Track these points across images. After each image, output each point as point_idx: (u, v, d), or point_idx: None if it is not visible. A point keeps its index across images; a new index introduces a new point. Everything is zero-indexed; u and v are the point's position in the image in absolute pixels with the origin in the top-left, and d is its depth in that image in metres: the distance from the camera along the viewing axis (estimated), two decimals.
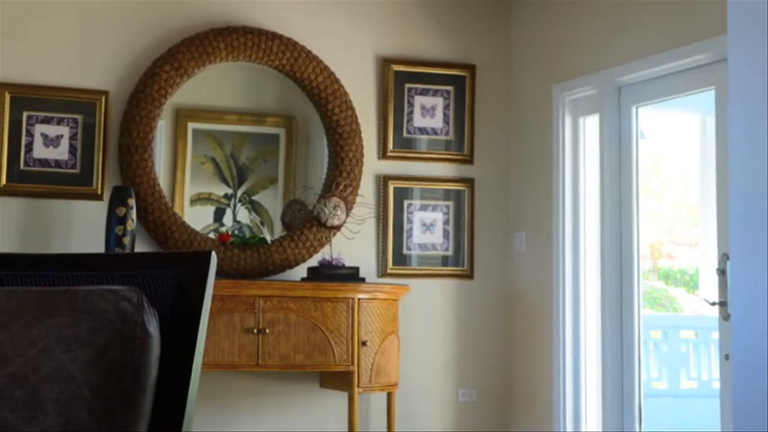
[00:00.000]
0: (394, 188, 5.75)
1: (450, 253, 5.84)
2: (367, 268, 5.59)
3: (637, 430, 5.06)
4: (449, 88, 5.88)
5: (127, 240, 4.92)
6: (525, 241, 5.82)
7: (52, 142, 5.18)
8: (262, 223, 5.55)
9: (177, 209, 5.36)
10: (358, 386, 5.02)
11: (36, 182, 5.15)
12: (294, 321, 4.94)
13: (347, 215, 5.44)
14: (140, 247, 5.19)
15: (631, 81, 5.17)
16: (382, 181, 5.73)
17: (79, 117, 5.22)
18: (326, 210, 5.33)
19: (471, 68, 5.94)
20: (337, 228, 5.41)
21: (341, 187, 5.49)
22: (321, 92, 5.53)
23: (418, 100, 5.82)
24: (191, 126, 5.49)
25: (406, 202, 5.78)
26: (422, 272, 5.78)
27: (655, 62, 4.94)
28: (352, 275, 5.25)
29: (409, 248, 5.76)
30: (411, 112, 5.80)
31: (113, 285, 2.04)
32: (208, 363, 4.72)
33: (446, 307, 5.82)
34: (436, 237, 5.82)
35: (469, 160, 5.91)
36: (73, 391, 1.83)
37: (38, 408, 1.82)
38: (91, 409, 1.82)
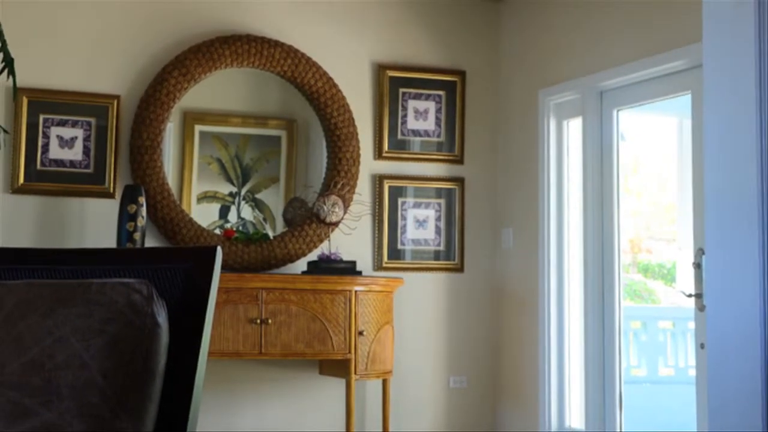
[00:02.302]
0: (389, 187, 5.75)
1: (441, 248, 5.84)
2: (364, 262, 5.59)
3: (618, 414, 5.07)
4: (441, 92, 5.88)
5: (137, 236, 4.92)
6: (512, 237, 5.82)
7: (67, 144, 5.17)
8: (264, 219, 5.55)
9: (185, 207, 5.36)
10: (355, 373, 5.02)
11: (51, 181, 5.15)
12: (295, 312, 4.94)
13: (345, 212, 5.45)
14: (150, 243, 5.19)
15: (613, 86, 5.17)
16: (378, 180, 5.72)
17: (92, 120, 5.22)
18: (325, 207, 5.33)
19: (461, 74, 5.94)
20: (336, 224, 5.41)
21: (339, 186, 5.49)
22: (320, 96, 5.53)
23: (412, 104, 5.82)
24: (198, 128, 5.48)
25: (400, 200, 5.78)
26: (415, 266, 5.78)
27: (634, 68, 4.94)
28: (350, 269, 5.25)
29: (403, 243, 5.76)
30: (405, 116, 5.80)
31: (124, 278, 2.04)
32: (213, 351, 4.72)
33: (438, 298, 5.82)
34: (429, 233, 5.82)
35: (459, 161, 5.91)
36: (87, 378, 1.83)
37: (54, 393, 1.82)
38: (103, 394, 1.82)
